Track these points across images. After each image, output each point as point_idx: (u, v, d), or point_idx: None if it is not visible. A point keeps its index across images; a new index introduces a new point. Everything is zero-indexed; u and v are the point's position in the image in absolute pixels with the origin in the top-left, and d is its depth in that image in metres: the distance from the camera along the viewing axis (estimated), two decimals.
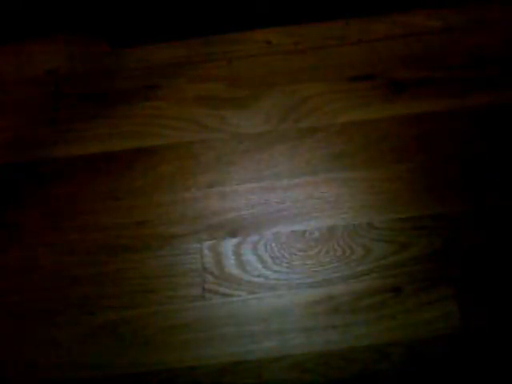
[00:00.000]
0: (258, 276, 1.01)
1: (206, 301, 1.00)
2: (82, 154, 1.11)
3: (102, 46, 1.19)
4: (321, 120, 1.10)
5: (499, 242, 1.00)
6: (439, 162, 1.06)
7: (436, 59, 1.13)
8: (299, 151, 1.08)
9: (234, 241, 1.03)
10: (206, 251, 1.03)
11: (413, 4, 1.17)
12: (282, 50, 1.16)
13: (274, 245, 1.02)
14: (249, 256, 1.02)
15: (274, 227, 1.03)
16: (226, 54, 1.17)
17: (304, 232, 1.03)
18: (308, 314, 0.98)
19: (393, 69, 1.13)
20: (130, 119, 1.13)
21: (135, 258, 1.03)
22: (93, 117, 1.13)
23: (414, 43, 1.15)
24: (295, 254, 1.01)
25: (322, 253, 1.01)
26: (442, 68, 1.12)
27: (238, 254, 1.02)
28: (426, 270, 0.99)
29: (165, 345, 0.97)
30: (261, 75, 1.14)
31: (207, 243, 1.03)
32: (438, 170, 1.05)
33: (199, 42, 1.18)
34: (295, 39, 1.17)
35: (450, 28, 1.15)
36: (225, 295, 1.00)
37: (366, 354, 0.95)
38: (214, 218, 1.05)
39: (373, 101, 1.11)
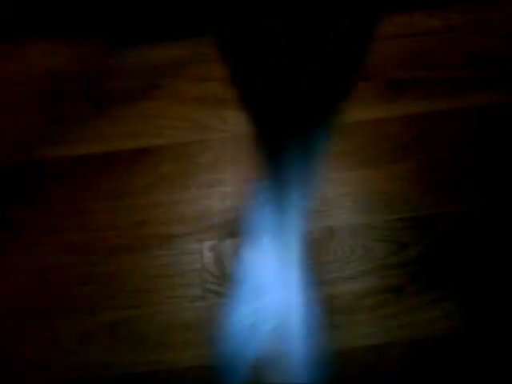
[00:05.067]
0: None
1: (206, 301, 1.00)
2: (83, 154, 1.10)
3: (101, 46, 1.19)
4: None
5: (499, 241, 1.00)
6: (439, 162, 1.06)
7: (436, 59, 1.13)
8: None
9: (234, 241, 1.03)
10: (206, 251, 1.03)
11: (413, 4, 1.17)
12: None
13: None
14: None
15: None
16: None
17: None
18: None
19: (392, 69, 1.13)
20: (129, 119, 1.13)
21: (135, 258, 1.03)
22: (93, 117, 1.13)
23: (413, 43, 1.15)
24: None
25: (322, 253, 1.01)
26: (441, 68, 1.12)
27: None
28: (426, 270, 0.99)
29: (165, 345, 0.97)
30: None
31: (207, 243, 1.03)
32: (438, 169, 1.05)
33: (199, 42, 1.18)
34: None
35: (450, 28, 1.15)
36: (225, 295, 1.00)
37: (366, 353, 0.95)
38: (214, 218, 1.05)
39: (372, 101, 1.11)
